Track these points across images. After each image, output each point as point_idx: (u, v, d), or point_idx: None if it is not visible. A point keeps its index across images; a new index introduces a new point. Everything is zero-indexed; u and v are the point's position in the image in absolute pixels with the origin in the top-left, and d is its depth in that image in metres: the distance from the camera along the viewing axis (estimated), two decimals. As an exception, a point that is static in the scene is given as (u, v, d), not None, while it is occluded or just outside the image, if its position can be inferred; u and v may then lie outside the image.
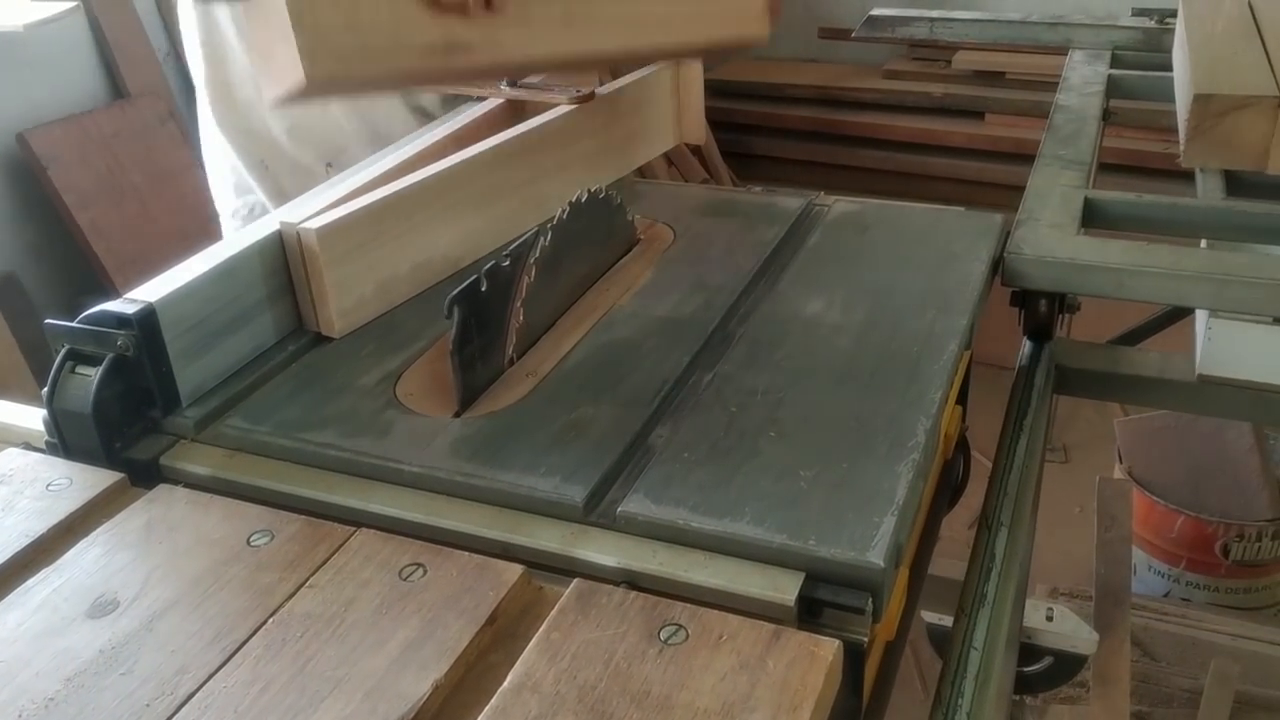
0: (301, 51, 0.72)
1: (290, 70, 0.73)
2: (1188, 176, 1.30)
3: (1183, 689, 1.84)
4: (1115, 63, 1.65)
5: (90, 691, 0.59)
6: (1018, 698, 1.65)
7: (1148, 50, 1.68)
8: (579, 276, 0.97)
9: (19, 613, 0.65)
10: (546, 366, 0.86)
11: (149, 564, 0.68)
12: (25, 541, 0.71)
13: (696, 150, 3.44)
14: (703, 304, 0.94)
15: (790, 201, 1.14)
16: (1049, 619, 1.46)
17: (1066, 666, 1.47)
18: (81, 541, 0.70)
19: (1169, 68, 1.52)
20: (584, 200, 0.95)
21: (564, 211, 0.92)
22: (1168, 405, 1.19)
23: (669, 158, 3.35)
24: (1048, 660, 1.47)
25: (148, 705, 0.58)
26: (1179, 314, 1.54)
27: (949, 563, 1.23)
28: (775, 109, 3.67)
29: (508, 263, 0.85)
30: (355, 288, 0.92)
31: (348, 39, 0.76)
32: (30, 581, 0.67)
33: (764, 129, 3.70)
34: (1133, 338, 1.61)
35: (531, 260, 0.87)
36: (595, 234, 0.99)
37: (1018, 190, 1.21)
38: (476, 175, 1.02)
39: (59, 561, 0.69)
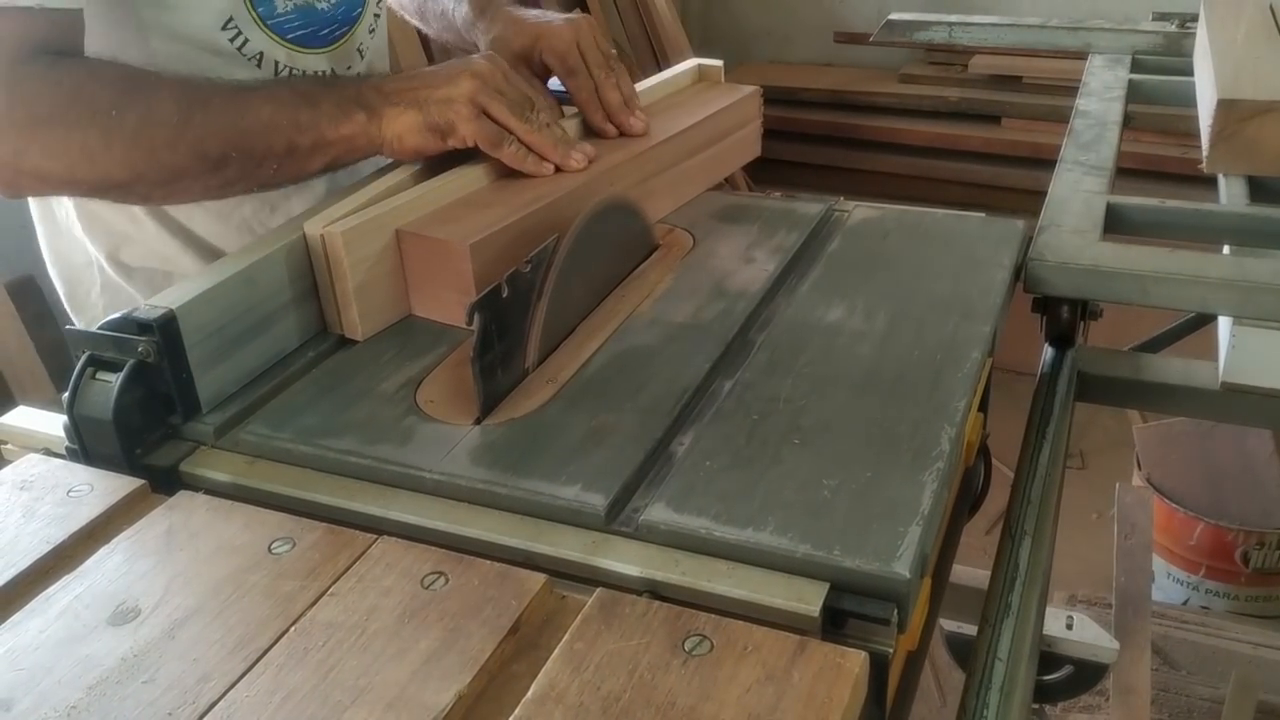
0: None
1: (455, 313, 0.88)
2: (1205, 182, 1.29)
3: (1203, 698, 1.83)
4: (1135, 67, 1.64)
5: (112, 700, 0.59)
6: (1037, 706, 1.64)
7: (1168, 55, 1.67)
8: (599, 283, 0.97)
9: (41, 620, 0.65)
10: (567, 373, 0.86)
11: (170, 571, 0.68)
12: (46, 548, 0.70)
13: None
14: (723, 310, 0.93)
15: (810, 207, 1.13)
16: (1069, 627, 1.45)
17: (1087, 675, 1.46)
18: (103, 548, 0.70)
19: (1190, 72, 1.51)
20: (603, 207, 0.95)
21: (584, 218, 0.91)
22: (1191, 413, 1.18)
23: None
24: (1067, 669, 1.46)
25: (170, 714, 0.58)
26: (1201, 321, 1.53)
27: (966, 570, 1.23)
28: (790, 113, 3.67)
29: (528, 269, 0.84)
30: (378, 291, 0.92)
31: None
32: (52, 588, 0.67)
33: (779, 133, 3.68)
34: (1154, 345, 1.60)
35: (552, 267, 0.87)
36: (615, 239, 0.99)
37: (1034, 195, 1.20)
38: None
39: (80, 568, 0.69)
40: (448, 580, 0.66)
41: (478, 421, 0.80)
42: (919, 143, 3.48)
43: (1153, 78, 1.61)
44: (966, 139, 3.43)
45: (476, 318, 0.79)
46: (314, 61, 1.12)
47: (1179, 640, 1.98)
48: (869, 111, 3.60)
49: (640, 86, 1.20)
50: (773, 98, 3.72)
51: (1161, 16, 1.75)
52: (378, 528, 0.72)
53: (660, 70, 1.32)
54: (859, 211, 1.13)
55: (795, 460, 0.74)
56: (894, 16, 1.87)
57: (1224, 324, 1.02)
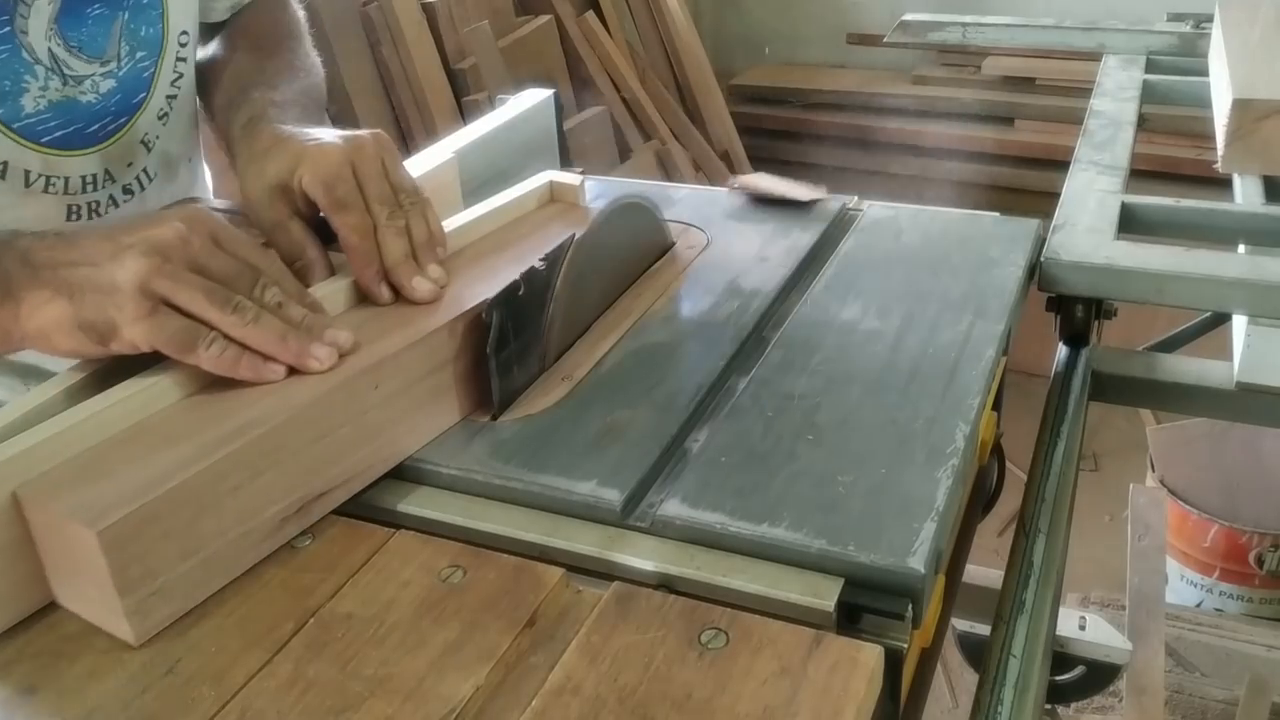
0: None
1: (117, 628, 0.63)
2: (1220, 184, 1.29)
3: (1218, 700, 1.82)
4: (1150, 68, 1.64)
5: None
6: (1050, 707, 1.64)
7: (1183, 55, 1.67)
8: (614, 280, 0.97)
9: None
10: (582, 370, 0.86)
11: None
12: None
13: (724, 156, 3.44)
14: (737, 308, 0.94)
15: (823, 206, 1.13)
16: (1082, 628, 1.45)
17: (1099, 676, 1.46)
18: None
19: (1205, 73, 1.51)
20: (619, 205, 0.95)
21: (599, 216, 0.92)
22: (1206, 413, 1.18)
23: (696, 164, 3.35)
24: (1080, 669, 1.46)
25: (190, 704, 0.58)
26: (1216, 321, 1.53)
27: (979, 570, 1.23)
28: (804, 114, 3.67)
29: (544, 267, 0.85)
30: None
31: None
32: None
33: (792, 134, 3.70)
34: (1169, 345, 1.59)
35: (567, 264, 0.87)
36: (630, 238, 0.99)
37: (1048, 196, 1.20)
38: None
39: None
40: (465, 574, 0.66)
41: (494, 417, 0.80)
42: (932, 144, 3.49)
43: (1167, 78, 1.60)
44: (980, 140, 3.43)
45: (493, 315, 0.79)
46: (80, 165, 0.92)
47: (1193, 642, 1.97)
48: (882, 113, 3.60)
49: (461, 219, 0.91)
50: (785, 99, 3.75)
51: (1176, 17, 1.74)
52: (396, 522, 0.72)
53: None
54: (873, 210, 1.13)
55: (810, 456, 0.74)
56: (907, 17, 1.87)
57: (1239, 323, 1.02)
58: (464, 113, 2.77)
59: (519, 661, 0.61)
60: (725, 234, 1.09)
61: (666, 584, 0.67)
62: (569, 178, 1.01)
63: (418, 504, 0.73)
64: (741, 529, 0.67)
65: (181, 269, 0.69)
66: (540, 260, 0.84)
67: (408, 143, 2.70)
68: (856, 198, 1.16)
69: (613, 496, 0.71)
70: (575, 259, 0.88)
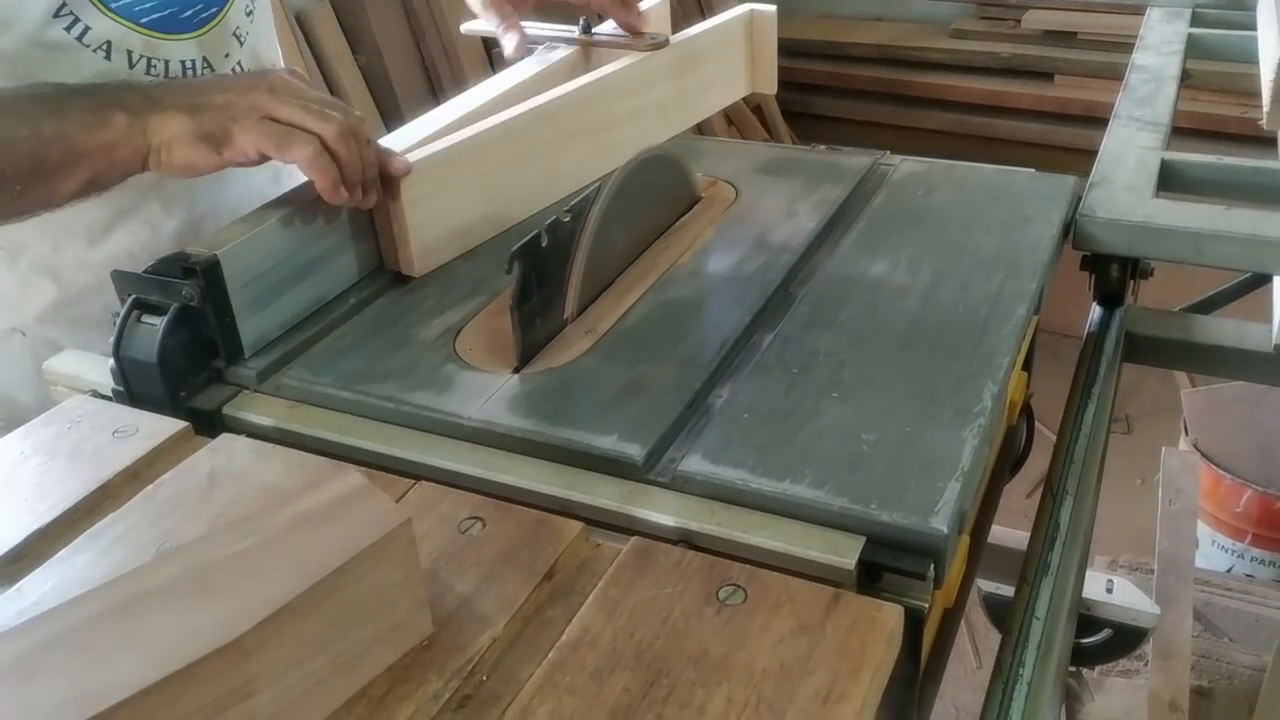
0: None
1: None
2: (1264, 144, 1.26)
3: (1245, 665, 1.81)
4: (1196, 21, 1.60)
5: (155, 634, 0.60)
6: (1074, 669, 1.63)
7: (1230, 9, 1.62)
8: (640, 234, 0.96)
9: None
10: (606, 324, 0.85)
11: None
12: (93, 485, 0.72)
13: (757, 109, 3.40)
14: (764, 263, 0.93)
15: (855, 160, 1.11)
16: (1109, 590, 1.44)
17: (1126, 639, 1.45)
18: (147, 488, 0.71)
19: (1253, 27, 1.47)
20: (646, 157, 0.94)
21: (626, 168, 0.91)
22: (1242, 376, 1.16)
23: (728, 117, 3.31)
24: (1106, 632, 1.45)
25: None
26: (1256, 282, 1.50)
27: (1005, 530, 1.22)
28: (838, 68, 3.62)
29: (569, 218, 0.84)
30: (434, 228, 0.93)
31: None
32: (98, 525, 0.68)
33: (826, 88, 3.65)
34: (1206, 306, 1.56)
35: (592, 216, 0.86)
36: (657, 191, 0.98)
37: (1087, 154, 1.17)
38: (550, 122, 1.01)
39: (125, 506, 0.70)
40: (484, 525, 0.66)
41: (516, 370, 0.80)
42: (969, 100, 3.43)
43: (1213, 32, 1.56)
44: (1018, 96, 3.36)
45: (516, 266, 0.78)
46: (179, 50, 0.96)
47: (1221, 607, 1.96)
48: (919, 67, 3.54)
49: (694, 31, 1.19)
50: (820, 52, 3.69)
51: (1225, -31, 1.69)
52: (416, 473, 0.72)
53: (704, 19, 1.26)
54: (905, 165, 1.11)
55: (834, 414, 0.73)
56: (946, -32, 1.83)
57: (1279, 285, 1.00)
58: (494, 64, 2.75)
59: (537, 614, 0.61)
60: (754, 188, 1.07)
61: (686, 539, 0.66)
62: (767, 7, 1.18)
63: (438, 456, 0.73)
64: (763, 485, 0.67)
65: (286, 96, 0.83)
66: (565, 211, 0.83)
67: (436, 93, 2.68)
68: (888, 152, 1.14)
69: (634, 451, 0.70)
70: (600, 211, 0.87)
